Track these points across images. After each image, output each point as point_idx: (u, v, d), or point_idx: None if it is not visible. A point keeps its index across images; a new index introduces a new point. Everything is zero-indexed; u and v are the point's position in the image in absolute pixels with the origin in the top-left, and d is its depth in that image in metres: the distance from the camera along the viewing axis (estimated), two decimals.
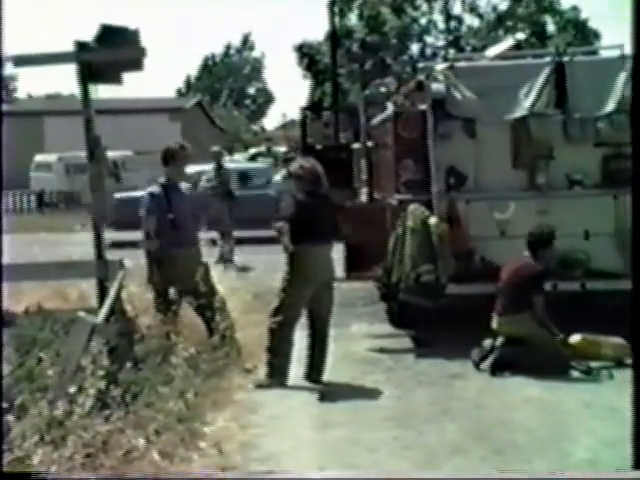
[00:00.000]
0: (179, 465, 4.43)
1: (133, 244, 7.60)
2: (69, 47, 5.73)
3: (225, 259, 11.80)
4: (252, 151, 26.54)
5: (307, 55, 35.36)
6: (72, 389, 4.55)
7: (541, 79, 7.47)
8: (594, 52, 9.65)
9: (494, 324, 6.72)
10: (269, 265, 10.34)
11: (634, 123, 3.83)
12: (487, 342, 6.69)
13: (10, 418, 4.17)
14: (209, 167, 12.99)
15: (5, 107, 5.99)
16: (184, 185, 7.00)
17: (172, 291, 6.63)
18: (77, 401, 4.47)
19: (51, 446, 4.04)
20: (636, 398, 3.56)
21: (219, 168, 12.76)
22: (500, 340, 6.63)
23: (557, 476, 4.55)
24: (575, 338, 6.66)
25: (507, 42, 9.44)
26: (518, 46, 9.37)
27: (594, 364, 6.46)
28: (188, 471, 4.37)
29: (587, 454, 4.79)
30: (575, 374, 6.43)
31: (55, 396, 4.50)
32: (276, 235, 6.43)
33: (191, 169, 8.43)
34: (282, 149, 24.44)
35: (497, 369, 6.49)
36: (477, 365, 6.62)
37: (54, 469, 3.80)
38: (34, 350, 5.13)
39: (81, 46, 5.72)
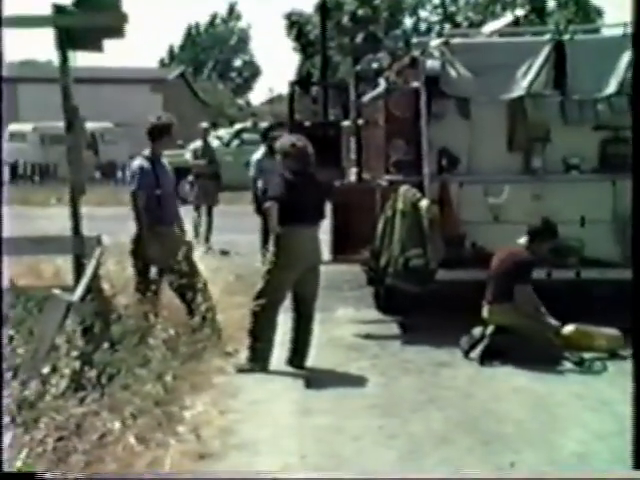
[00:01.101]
0: (155, 450, 4.43)
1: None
2: (46, 10, 5.66)
3: (205, 237, 11.86)
4: (237, 126, 26.34)
5: (296, 24, 35.16)
6: (45, 369, 4.53)
7: (540, 58, 7.45)
8: (596, 30, 9.62)
9: (484, 313, 6.76)
10: (253, 247, 10.38)
11: (634, 112, 3.84)
12: (477, 330, 6.72)
13: None
14: (196, 144, 12.83)
15: None
16: (165, 159, 6.98)
17: (153, 270, 6.62)
18: (50, 382, 4.46)
19: (22, 428, 4.03)
20: (636, 398, 3.56)
21: (206, 146, 12.64)
22: (490, 329, 6.66)
23: (557, 476, 4.58)
24: (568, 328, 6.71)
25: (505, 18, 9.43)
26: (516, 23, 9.35)
27: (587, 355, 6.51)
28: (189, 470, 4.38)
29: (578, 447, 4.83)
30: (567, 365, 6.47)
31: (27, 376, 4.48)
32: (266, 215, 6.41)
33: None
34: (268, 125, 24.31)
35: (486, 358, 6.53)
36: (466, 354, 6.66)
37: (24, 453, 3.79)
38: (6, 328, 5.09)
39: (59, 9, 5.64)
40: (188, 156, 12.53)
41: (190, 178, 12.55)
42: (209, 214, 12.26)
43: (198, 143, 12.75)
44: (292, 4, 40.82)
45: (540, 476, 4.57)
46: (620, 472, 4.31)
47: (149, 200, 6.62)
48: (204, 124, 13.46)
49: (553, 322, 6.62)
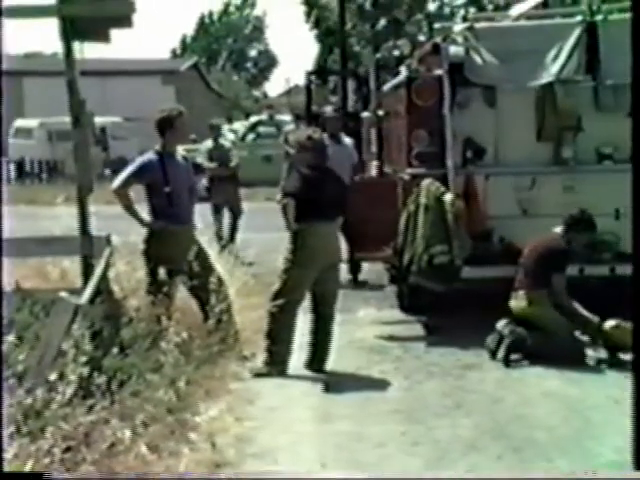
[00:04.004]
0: (168, 460, 4.43)
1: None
2: (51, 0, 5.68)
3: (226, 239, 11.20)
4: (253, 119, 26.42)
5: (315, 7, 35.10)
6: (52, 376, 4.54)
7: (570, 41, 7.39)
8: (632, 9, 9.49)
9: (512, 302, 6.77)
10: (269, 245, 10.38)
11: (635, 112, 3.81)
12: (501, 324, 6.68)
13: None
14: (208, 143, 11.90)
15: None
16: (180, 154, 6.94)
17: (163, 271, 6.62)
18: (57, 389, 4.47)
19: (28, 438, 4.04)
20: (636, 398, 3.58)
21: (217, 146, 11.63)
22: (510, 326, 6.62)
23: (557, 476, 4.56)
24: (609, 324, 6.59)
25: (533, 0, 9.32)
26: (545, 4, 9.28)
27: (624, 356, 6.42)
28: (190, 470, 4.38)
29: (615, 455, 4.77)
30: (601, 366, 6.42)
31: (33, 383, 4.50)
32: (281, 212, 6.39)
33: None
34: (285, 117, 24.39)
35: (512, 357, 6.51)
36: (493, 354, 6.62)
37: (30, 464, 3.80)
38: (11, 333, 5.11)
39: None
40: (201, 159, 11.56)
41: (204, 181, 11.62)
42: (234, 223, 11.43)
43: (209, 143, 11.80)
44: None
45: (541, 476, 4.54)
46: (620, 472, 4.28)
47: (158, 198, 6.60)
48: (215, 120, 12.61)
49: (590, 316, 6.57)
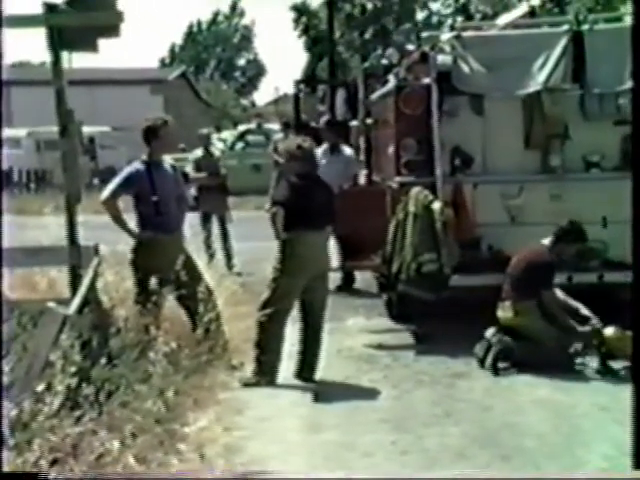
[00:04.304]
0: (157, 471, 4.41)
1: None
2: (37, 9, 5.67)
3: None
4: (241, 128, 26.41)
5: (304, 14, 35.20)
6: (40, 387, 4.52)
7: (557, 50, 7.43)
8: (618, 19, 9.57)
9: (499, 311, 6.79)
10: (258, 254, 10.36)
11: (635, 112, 3.82)
12: (489, 332, 6.70)
13: None
14: (197, 153, 11.71)
15: None
16: (168, 163, 6.94)
17: (153, 281, 6.60)
18: (45, 400, 4.44)
19: (14, 451, 4.01)
20: (636, 399, 3.60)
21: (208, 155, 11.48)
22: (498, 335, 6.64)
23: (557, 476, 4.56)
24: (610, 331, 6.54)
25: (520, 9, 9.37)
26: (532, 13, 9.30)
27: (614, 364, 6.43)
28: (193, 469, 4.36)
29: (603, 462, 4.79)
30: (591, 374, 6.43)
31: (20, 395, 4.47)
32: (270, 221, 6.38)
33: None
34: (273, 126, 24.41)
35: (499, 365, 6.53)
36: (482, 362, 6.63)
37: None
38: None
39: (51, 8, 5.66)
40: (189, 168, 11.37)
41: (193, 191, 11.47)
42: (224, 233, 11.17)
43: (199, 152, 11.66)
44: None
45: (540, 476, 4.54)
46: (620, 472, 4.29)
47: (145, 207, 6.60)
48: (204, 130, 12.56)
49: (590, 315, 6.62)
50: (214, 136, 18.96)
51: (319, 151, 10.05)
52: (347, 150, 9.96)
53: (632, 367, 3.77)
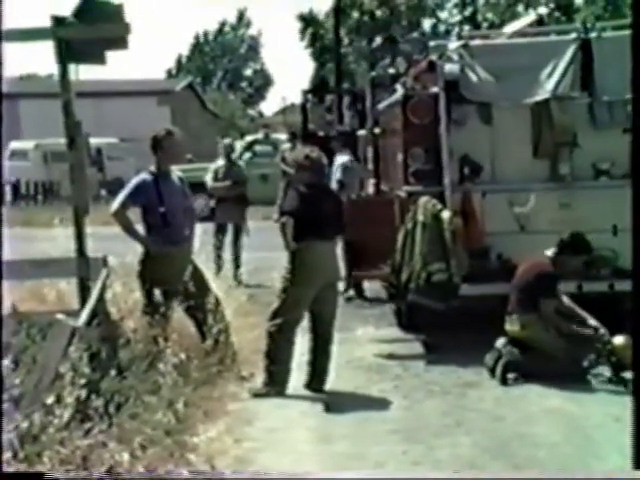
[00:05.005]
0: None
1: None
2: (45, 22, 5.70)
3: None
4: (248, 138, 26.44)
5: (311, 24, 35.25)
6: (49, 399, 4.52)
7: (565, 58, 7.43)
8: (626, 26, 9.56)
9: (506, 325, 6.77)
10: (266, 264, 10.37)
11: (635, 112, 3.82)
12: (500, 342, 6.69)
13: None
14: (218, 163, 11.50)
15: None
16: (175, 174, 6.96)
17: (159, 292, 6.61)
18: (54, 412, 4.45)
19: (25, 464, 4.02)
20: (636, 399, 3.60)
21: (231, 164, 11.29)
22: (509, 342, 6.64)
23: (557, 476, 4.54)
24: (619, 340, 6.52)
25: (528, 17, 9.40)
26: (540, 21, 9.33)
27: (627, 374, 6.40)
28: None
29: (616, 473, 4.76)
30: (603, 384, 6.40)
31: (30, 407, 4.48)
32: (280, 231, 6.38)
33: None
34: (281, 136, 24.47)
35: (509, 375, 6.51)
36: (492, 371, 6.61)
37: None
38: (7, 356, 5.09)
39: (58, 21, 5.69)
40: (208, 178, 11.25)
41: (212, 203, 11.38)
42: (235, 242, 10.93)
43: (220, 162, 11.40)
44: (305, 8, 40.99)
45: (540, 476, 4.52)
46: (620, 472, 4.27)
47: (152, 218, 6.61)
48: (227, 140, 12.35)
49: (598, 325, 6.59)
50: (220, 146, 18.94)
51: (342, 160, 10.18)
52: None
53: (633, 370, 3.76)
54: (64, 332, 4.94)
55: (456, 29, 33.23)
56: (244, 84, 74.65)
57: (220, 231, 10.95)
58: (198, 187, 11.40)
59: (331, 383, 6.45)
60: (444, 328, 7.84)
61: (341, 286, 7.89)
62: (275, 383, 6.27)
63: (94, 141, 21.17)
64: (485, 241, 7.51)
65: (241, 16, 74.98)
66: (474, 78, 7.51)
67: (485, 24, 33.14)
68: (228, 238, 11.02)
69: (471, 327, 7.72)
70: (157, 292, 6.61)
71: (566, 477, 4.56)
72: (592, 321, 6.69)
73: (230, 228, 11.04)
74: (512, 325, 6.73)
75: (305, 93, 15.83)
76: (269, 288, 7.78)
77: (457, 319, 7.81)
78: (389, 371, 7.00)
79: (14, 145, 28.62)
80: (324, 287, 6.34)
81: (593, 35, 7.54)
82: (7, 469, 3.83)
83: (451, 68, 7.53)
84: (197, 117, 40.70)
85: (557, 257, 6.76)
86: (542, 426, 5.61)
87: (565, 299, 6.81)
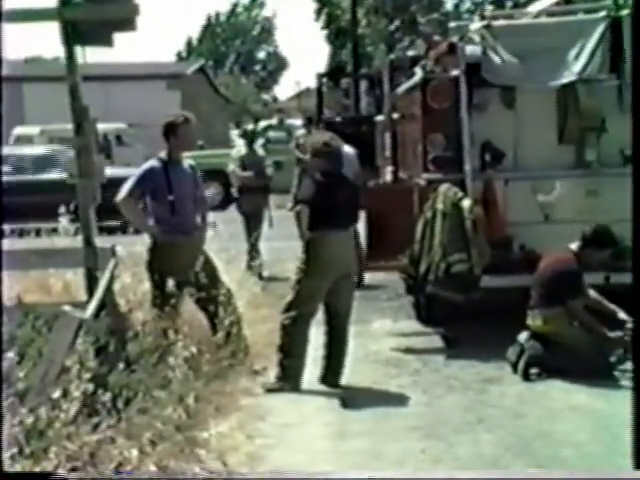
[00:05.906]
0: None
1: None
2: (51, 3, 5.70)
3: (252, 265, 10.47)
4: (262, 124, 26.44)
5: (327, 4, 35.16)
6: (55, 393, 4.54)
7: (594, 38, 7.39)
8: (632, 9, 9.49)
9: (529, 319, 6.77)
10: (280, 254, 10.39)
11: (635, 112, 3.80)
12: (522, 336, 6.68)
13: None
14: (240, 150, 11.33)
15: None
16: (187, 162, 6.94)
17: (170, 283, 6.62)
18: (61, 407, 4.46)
19: (31, 460, 4.04)
20: (636, 398, 3.64)
21: (252, 153, 11.12)
22: (532, 337, 6.63)
23: (557, 476, 4.54)
24: None
25: None
26: (567, 0, 9.25)
27: None
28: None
29: None
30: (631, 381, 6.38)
31: (36, 401, 4.50)
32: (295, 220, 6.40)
33: None
34: (296, 121, 24.45)
35: (531, 371, 6.51)
36: (514, 366, 6.60)
37: None
38: (13, 349, 5.12)
39: (65, 2, 5.69)
40: (232, 167, 11.04)
41: (235, 193, 11.18)
42: (256, 234, 10.71)
43: (242, 150, 11.25)
44: None
45: (540, 476, 4.52)
46: (620, 472, 4.29)
47: (160, 206, 6.61)
48: (249, 126, 12.08)
49: (626, 318, 6.53)
50: (234, 132, 18.94)
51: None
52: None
53: (632, 369, 3.76)
54: (71, 324, 4.96)
55: (479, 9, 33.07)
56: (257, 67, 74.71)
57: (248, 223, 10.82)
58: (210, 174, 11.35)
59: (347, 378, 6.46)
60: (464, 321, 7.83)
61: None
62: (289, 378, 6.28)
63: (102, 127, 21.20)
64: (507, 231, 7.49)
65: None
66: (497, 60, 7.47)
67: (509, 3, 32.95)
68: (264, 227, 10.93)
69: (492, 320, 7.71)
70: (167, 283, 6.63)
71: (569, 477, 4.54)
72: (622, 314, 6.66)
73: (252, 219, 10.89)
74: (535, 320, 6.72)
75: (320, 77, 15.80)
76: (284, 279, 7.78)
77: (478, 312, 7.80)
78: (407, 365, 7.00)
79: (19, 130, 28.71)
80: (339, 279, 6.34)
81: (624, 13, 7.46)
82: (9, 469, 3.84)
83: (473, 50, 7.51)
84: (208, 102, 40.67)
85: (582, 251, 6.72)
86: (566, 423, 5.60)
87: (592, 293, 6.78)
